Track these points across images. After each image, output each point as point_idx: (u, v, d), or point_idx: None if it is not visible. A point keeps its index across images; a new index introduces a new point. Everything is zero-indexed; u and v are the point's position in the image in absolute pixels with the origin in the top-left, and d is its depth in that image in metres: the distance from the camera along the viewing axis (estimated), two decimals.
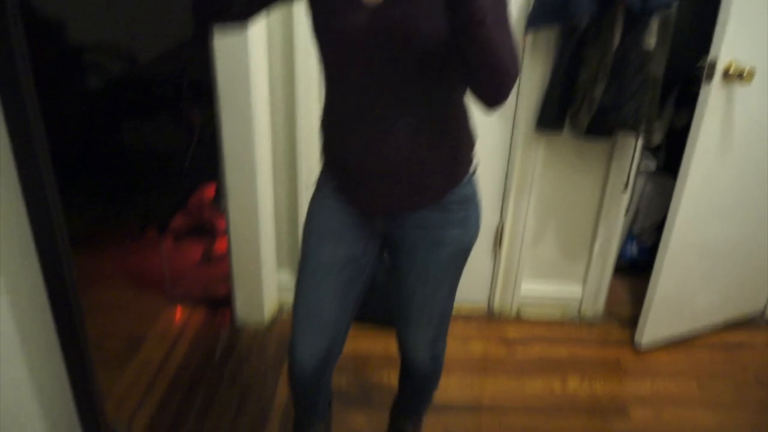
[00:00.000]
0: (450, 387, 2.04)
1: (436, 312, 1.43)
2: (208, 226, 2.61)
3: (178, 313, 2.42)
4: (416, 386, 1.63)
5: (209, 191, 2.71)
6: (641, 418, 1.99)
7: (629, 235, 2.64)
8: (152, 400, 1.97)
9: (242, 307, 2.35)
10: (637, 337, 2.30)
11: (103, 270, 2.69)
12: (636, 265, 2.63)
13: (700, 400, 2.09)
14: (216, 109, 2.03)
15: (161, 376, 2.08)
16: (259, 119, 2.05)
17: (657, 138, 2.41)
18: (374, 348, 2.20)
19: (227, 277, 2.33)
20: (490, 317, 2.46)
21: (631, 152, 2.13)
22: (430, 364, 1.52)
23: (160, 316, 2.40)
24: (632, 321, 2.36)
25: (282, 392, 2.03)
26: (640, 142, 2.11)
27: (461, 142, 1.28)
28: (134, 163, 3.27)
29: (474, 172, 1.32)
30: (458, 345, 2.26)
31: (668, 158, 2.51)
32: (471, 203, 1.32)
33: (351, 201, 1.32)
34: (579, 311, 2.47)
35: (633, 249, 2.65)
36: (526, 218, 2.29)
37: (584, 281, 2.42)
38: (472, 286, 2.42)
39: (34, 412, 0.90)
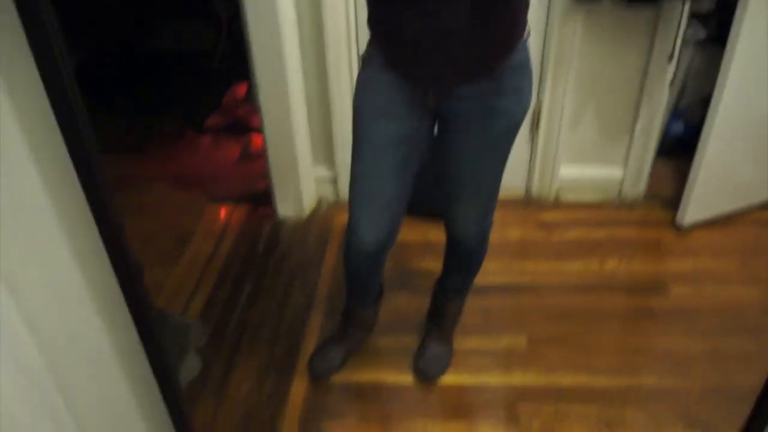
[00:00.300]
0: (488, 270, 2.05)
1: (486, 186, 1.44)
2: (244, 123, 2.63)
3: (222, 210, 2.50)
4: (462, 264, 1.67)
5: (241, 89, 2.71)
6: (680, 295, 2.00)
7: (675, 112, 2.53)
8: (203, 292, 2.08)
9: (282, 202, 2.40)
10: (679, 217, 2.26)
11: (147, 173, 2.77)
12: (681, 143, 2.53)
13: (742, 277, 2.07)
14: (241, 3, 1.97)
15: (209, 269, 2.18)
16: (284, 12, 1.99)
17: (706, 4, 2.24)
18: (413, 236, 2.23)
19: (266, 174, 2.37)
20: (528, 202, 2.45)
21: (677, 19, 2.00)
22: (477, 240, 1.56)
23: (204, 214, 2.48)
24: (675, 202, 2.30)
25: (324, 282, 2.11)
26: (687, 8, 1.97)
27: (518, 5, 1.22)
28: (166, 65, 3.26)
29: (528, 36, 1.27)
30: (496, 230, 2.24)
31: (719, 28, 2.34)
32: (525, 70, 1.29)
33: (403, 75, 1.28)
34: (619, 193, 2.43)
35: (679, 126, 2.54)
36: (564, 98, 2.21)
37: (625, 163, 2.36)
38: (509, 172, 2.33)
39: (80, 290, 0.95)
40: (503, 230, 2.29)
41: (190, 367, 1.71)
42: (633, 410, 1.64)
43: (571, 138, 2.32)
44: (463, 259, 1.65)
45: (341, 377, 1.75)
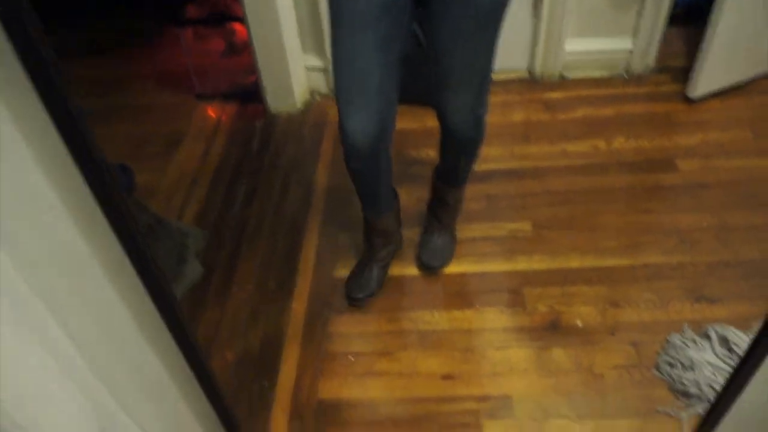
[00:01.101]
0: (490, 156, 2.00)
1: (476, 71, 1.34)
2: (226, 12, 2.45)
3: (212, 108, 2.40)
4: (458, 153, 1.59)
5: None
6: (689, 170, 1.94)
7: None
8: (198, 194, 2.03)
9: (273, 96, 2.29)
10: (689, 89, 2.15)
11: (130, 74, 2.64)
12: (694, 11, 2.37)
13: (754, 148, 1.99)
14: None
15: (204, 170, 2.12)
16: None
17: None
18: (410, 124, 2.15)
19: (254, 67, 2.24)
20: (532, 82, 2.32)
21: None
22: (472, 128, 1.46)
23: (194, 114, 2.38)
24: (686, 73, 2.18)
25: (321, 175, 2.05)
26: None
27: None
28: None
29: None
30: (498, 113, 2.17)
31: None
32: None
33: None
34: (628, 67, 2.30)
35: None
36: None
37: (634, 33, 2.21)
38: (512, 53, 2.25)
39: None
40: (506, 113, 2.20)
41: (191, 273, 1.69)
42: (640, 289, 1.63)
43: (577, 8, 2.16)
44: (458, 148, 1.57)
45: (345, 272, 1.73)
